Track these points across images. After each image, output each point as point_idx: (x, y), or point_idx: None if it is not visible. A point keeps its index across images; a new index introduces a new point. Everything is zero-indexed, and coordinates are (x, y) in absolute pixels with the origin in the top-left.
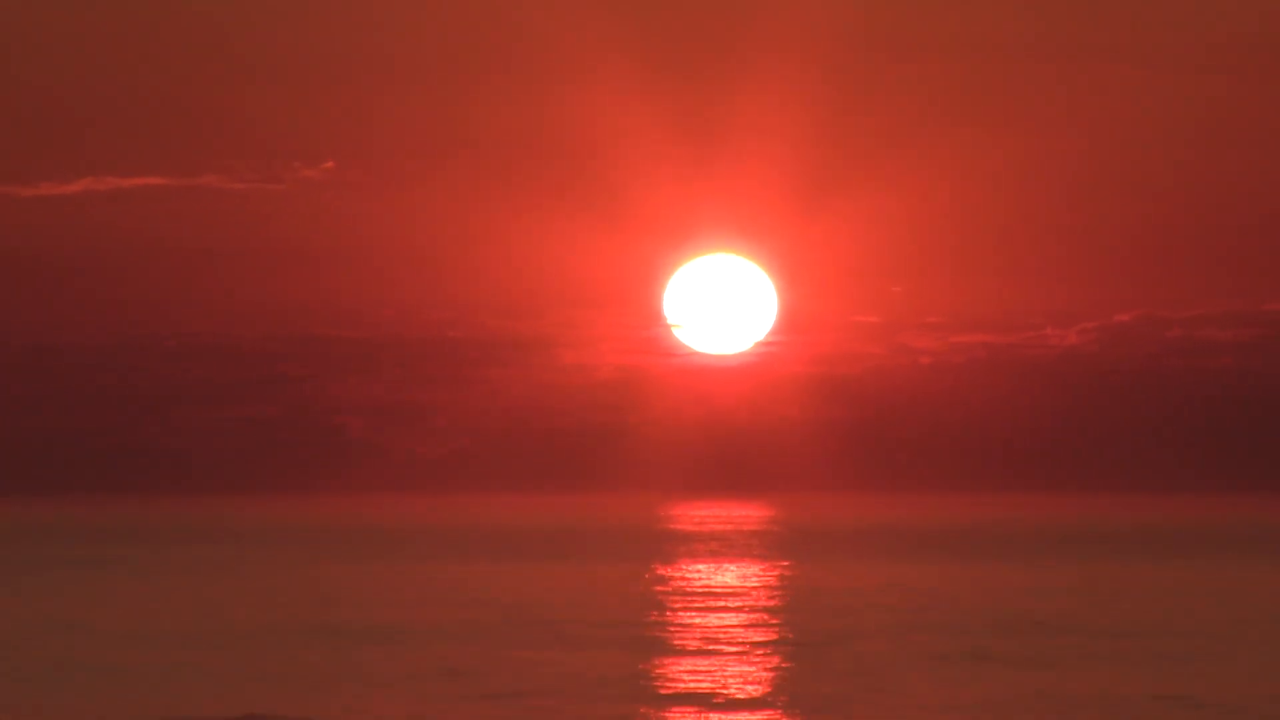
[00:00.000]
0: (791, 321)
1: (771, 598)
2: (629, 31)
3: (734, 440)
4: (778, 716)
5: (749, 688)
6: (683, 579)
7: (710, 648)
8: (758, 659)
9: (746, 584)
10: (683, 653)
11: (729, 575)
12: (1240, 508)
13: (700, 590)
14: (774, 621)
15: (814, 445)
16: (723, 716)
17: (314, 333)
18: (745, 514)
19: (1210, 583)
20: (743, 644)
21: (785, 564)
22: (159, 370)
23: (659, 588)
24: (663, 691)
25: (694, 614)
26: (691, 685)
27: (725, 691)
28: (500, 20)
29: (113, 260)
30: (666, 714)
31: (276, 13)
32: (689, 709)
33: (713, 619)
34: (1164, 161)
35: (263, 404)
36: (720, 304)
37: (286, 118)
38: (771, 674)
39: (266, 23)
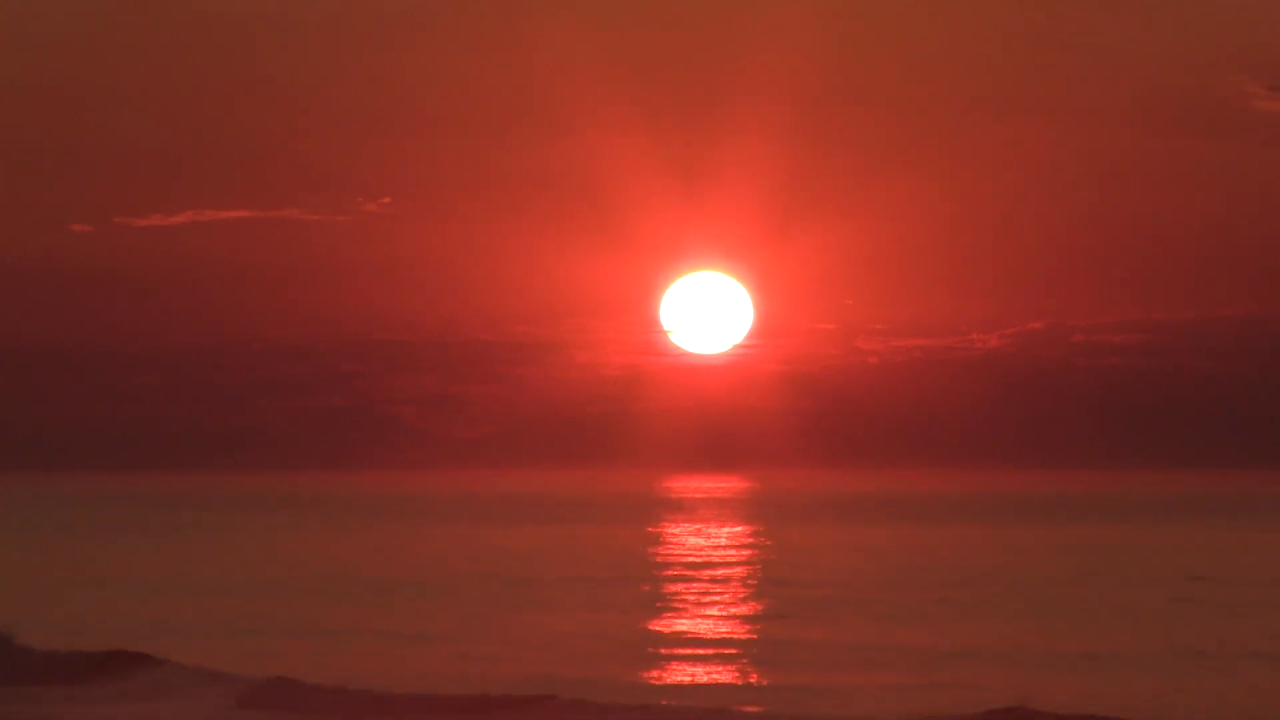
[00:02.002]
0: (765, 328)
1: (747, 554)
2: (629, 86)
3: (718, 425)
4: (756, 665)
5: (728, 636)
6: (674, 539)
7: (696, 601)
8: (736, 609)
9: (727, 542)
10: (672, 609)
11: (713, 535)
12: (1130, 481)
13: (688, 548)
14: (750, 575)
15: (783, 429)
16: (703, 657)
17: (373, 337)
18: (727, 485)
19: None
20: (722, 596)
21: (758, 526)
22: (248, 368)
23: (654, 547)
24: (650, 647)
25: (681, 570)
26: (678, 640)
27: (706, 640)
28: (522, 79)
29: (210, 279)
30: (653, 665)
31: (345, 76)
32: (674, 662)
33: (698, 574)
34: (1072, 198)
35: (332, 396)
36: (707, 313)
37: (352, 161)
38: (747, 623)
39: (337, 84)
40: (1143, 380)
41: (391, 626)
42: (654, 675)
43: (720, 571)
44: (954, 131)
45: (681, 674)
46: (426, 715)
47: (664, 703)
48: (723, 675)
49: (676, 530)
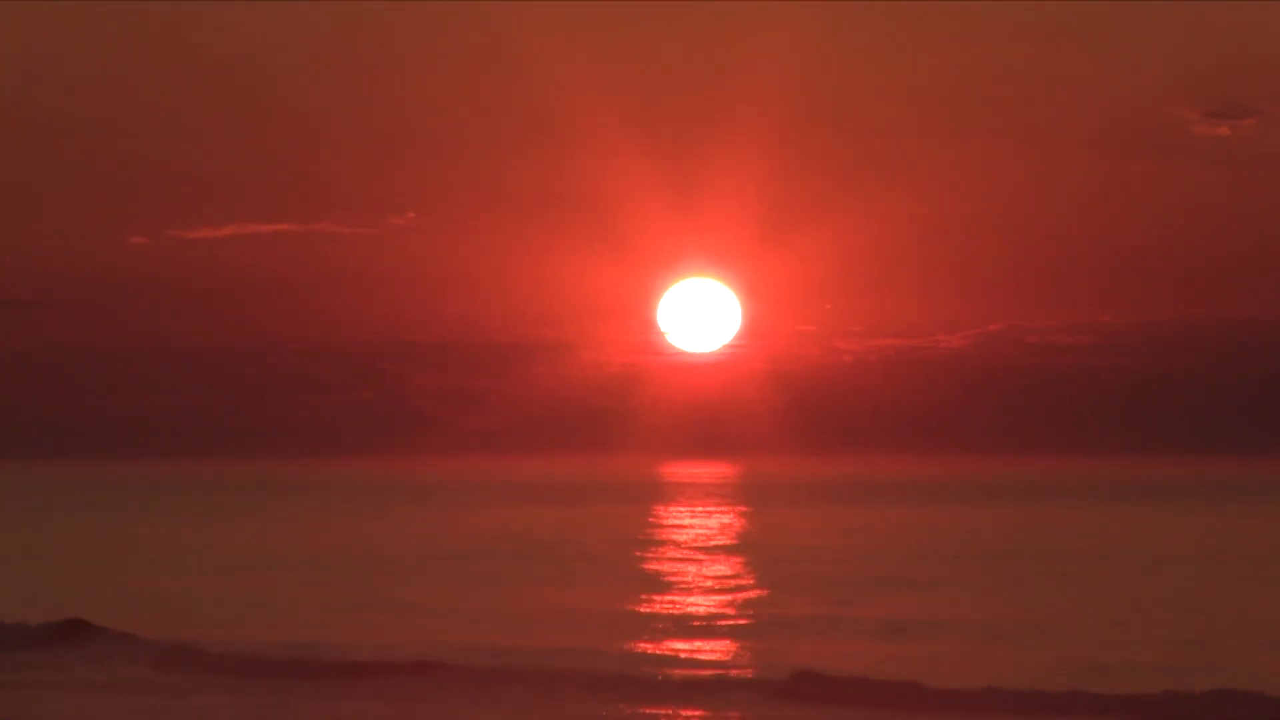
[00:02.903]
0: (752, 329)
1: (736, 533)
2: (629, 112)
3: (709, 417)
4: (741, 636)
5: (719, 609)
6: (670, 519)
7: (689, 576)
8: (725, 582)
9: (717, 522)
10: (667, 584)
11: (705, 516)
12: (1077, 467)
13: (682, 527)
14: (738, 546)
15: (768, 421)
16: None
17: (400, 338)
18: (717, 471)
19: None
20: (713, 571)
21: (746, 508)
22: (288, 367)
23: (651, 526)
24: (645, 618)
25: (676, 549)
26: (671, 611)
27: (697, 613)
28: (532, 105)
29: (253, 286)
30: (645, 638)
31: (373, 104)
32: (667, 636)
33: (690, 551)
34: (1028, 213)
35: (362, 390)
36: (699, 316)
37: (380, 180)
38: (735, 596)
39: (366, 112)
40: (1089, 376)
41: (355, 597)
42: (577, 644)
43: (698, 547)
44: (923, 153)
45: (599, 640)
46: (296, 679)
47: (558, 666)
48: (629, 643)
49: (668, 510)
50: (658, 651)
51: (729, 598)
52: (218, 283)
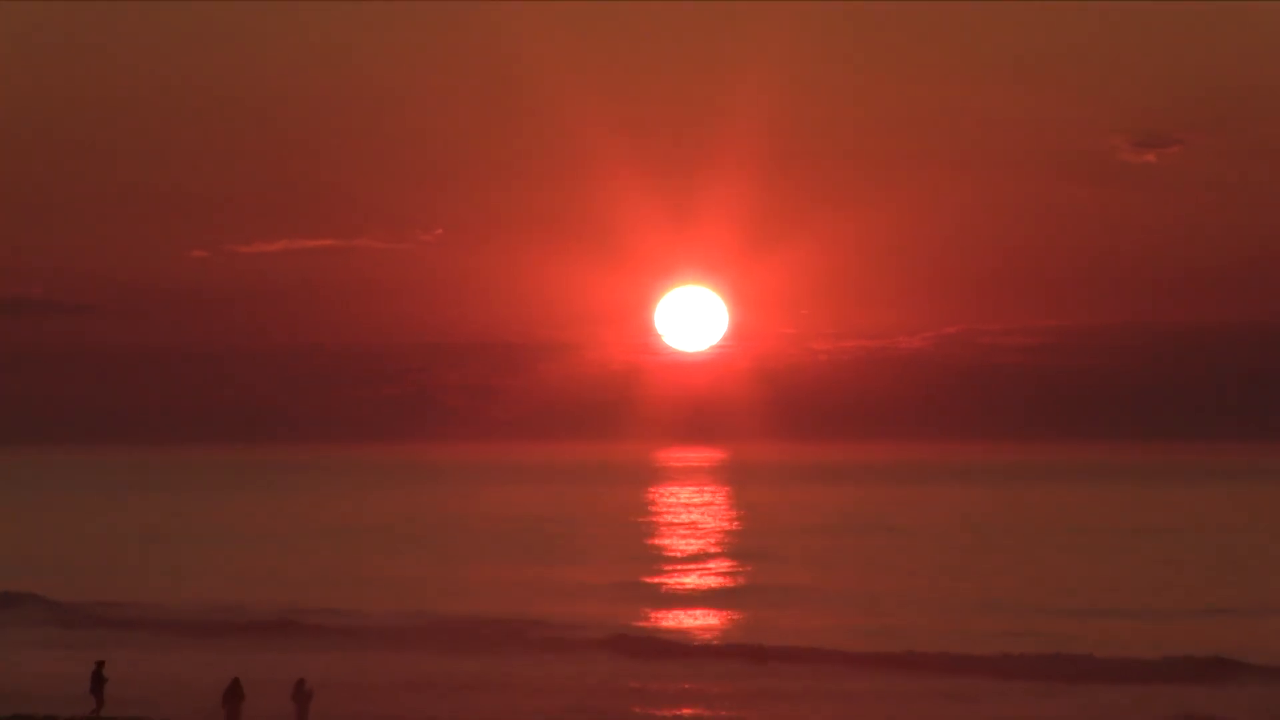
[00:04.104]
0: (738, 332)
1: (724, 509)
2: (630, 139)
3: (700, 409)
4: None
5: (709, 580)
6: (666, 497)
7: (684, 549)
8: (716, 554)
9: (709, 500)
10: (665, 558)
11: (697, 494)
12: (1022, 451)
13: (677, 505)
14: (728, 523)
15: (752, 411)
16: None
17: (428, 340)
18: (707, 455)
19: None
20: (704, 544)
21: (732, 488)
22: (329, 364)
23: (650, 504)
24: (644, 594)
25: (671, 524)
26: (666, 585)
27: (689, 584)
28: (544, 135)
29: (299, 294)
30: (647, 612)
31: (405, 135)
32: (664, 608)
33: (685, 522)
34: (981, 230)
35: (395, 385)
36: (692, 320)
37: (411, 201)
38: (726, 568)
39: (400, 142)
40: (1035, 373)
41: (327, 567)
42: (483, 609)
43: (665, 524)
44: (890, 177)
45: (495, 606)
46: (171, 635)
47: (415, 625)
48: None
49: (658, 491)
50: (539, 615)
51: (649, 566)
52: (269, 291)
